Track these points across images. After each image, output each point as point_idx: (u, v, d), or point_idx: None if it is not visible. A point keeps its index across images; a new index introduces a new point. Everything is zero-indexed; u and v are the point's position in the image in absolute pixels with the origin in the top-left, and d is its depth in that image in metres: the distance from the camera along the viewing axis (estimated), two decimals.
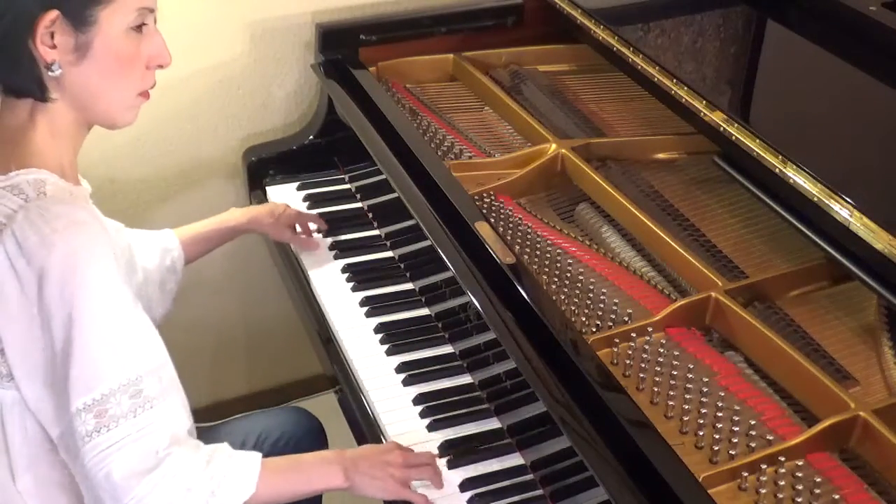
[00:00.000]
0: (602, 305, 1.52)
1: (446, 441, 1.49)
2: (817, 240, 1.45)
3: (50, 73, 1.23)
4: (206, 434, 1.67)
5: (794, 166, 1.42)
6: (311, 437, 1.71)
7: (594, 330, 1.47)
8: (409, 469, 1.39)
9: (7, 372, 1.23)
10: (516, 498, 1.40)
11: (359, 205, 2.00)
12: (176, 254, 1.71)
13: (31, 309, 1.19)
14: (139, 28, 1.26)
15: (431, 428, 1.52)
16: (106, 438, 1.19)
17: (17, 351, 1.21)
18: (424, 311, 1.74)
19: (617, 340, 1.44)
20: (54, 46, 1.21)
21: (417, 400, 1.57)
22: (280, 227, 1.84)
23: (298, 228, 1.88)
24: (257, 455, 1.32)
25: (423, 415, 1.54)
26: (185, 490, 1.22)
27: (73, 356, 1.17)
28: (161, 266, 1.67)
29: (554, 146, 1.79)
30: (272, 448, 1.66)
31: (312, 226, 1.90)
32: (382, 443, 1.48)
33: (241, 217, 1.81)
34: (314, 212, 1.96)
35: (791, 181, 1.43)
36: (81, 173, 1.36)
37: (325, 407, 1.85)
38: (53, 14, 1.19)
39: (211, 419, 1.74)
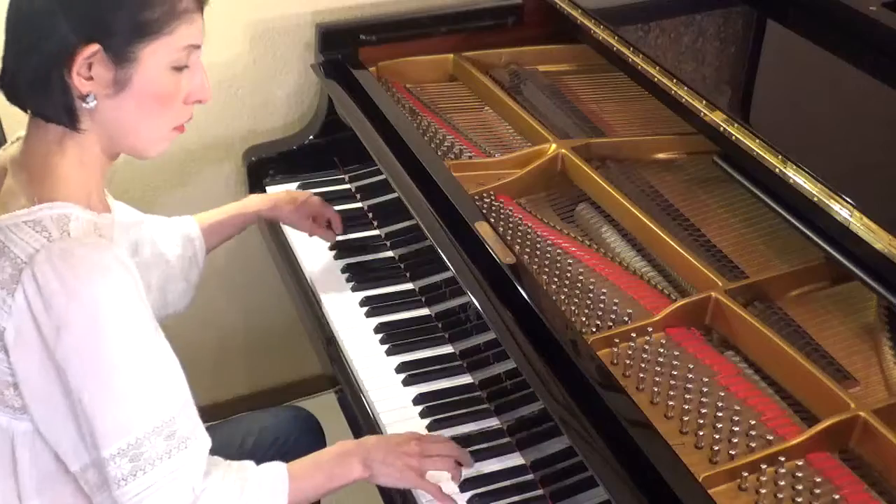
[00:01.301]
0: (602, 305, 1.52)
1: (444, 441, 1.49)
2: (817, 240, 1.45)
3: (84, 105, 1.18)
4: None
5: (794, 166, 1.42)
6: (310, 437, 1.72)
7: (594, 330, 1.47)
8: (426, 459, 1.39)
9: (20, 405, 1.21)
10: (516, 498, 1.40)
11: (359, 205, 2.00)
12: (198, 243, 1.68)
13: (47, 353, 1.15)
14: (181, 68, 1.22)
15: (431, 428, 1.52)
16: (142, 482, 1.17)
17: (34, 390, 1.19)
18: (424, 311, 1.74)
19: (617, 340, 1.44)
20: (91, 78, 1.17)
21: (417, 400, 1.57)
22: (299, 215, 1.81)
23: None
24: (283, 468, 1.32)
25: (423, 415, 1.55)
26: None
27: (100, 405, 1.15)
28: (184, 256, 1.65)
29: (554, 146, 1.79)
30: (271, 447, 1.67)
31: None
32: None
33: (262, 203, 1.79)
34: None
35: (791, 181, 1.43)
36: (134, 156, 1.34)
37: (325, 407, 1.85)
38: (94, 48, 1.15)
39: (211, 419, 1.73)
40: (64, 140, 1.22)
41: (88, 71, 1.16)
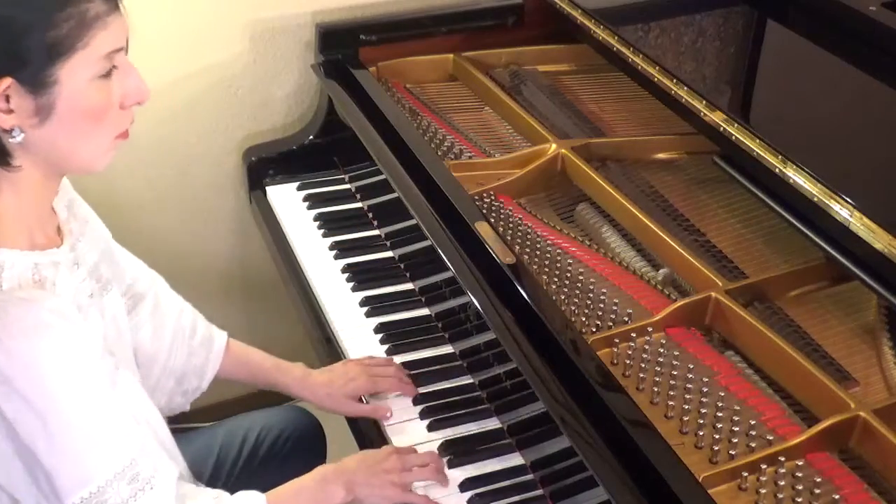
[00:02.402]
0: (602, 305, 1.52)
1: (446, 441, 1.49)
2: (817, 240, 1.45)
3: (12, 140, 1.10)
4: (206, 433, 1.68)
5: (794, 166, 1.42)
6: (310, 436, 1.71)
7: (594, 330, 1.47)
8: (407, 473, 1.39)
9: None
10: (516, 498, 1.40)
11: (359, 205, 2.00)
12: (213, 357, 1.58)
13: None
14: (108, 74, 1.13)
15: (431, 428, 1.52)
16: None
17: None
18: (424, 311, 1.74)
19: (617, 340, 1.44)
20: (11, 111, 1.09)
21: (417, 400, 1.57)
22: (340, 400, 1.58)
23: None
24: (261, 497, 1.30)
25: (423, 415, 1.55)
26: None
27: (56, 459, 1.12)
28: (187, 363, 1.56)
29: (554, 146, 1.79)
30: (271, 446, 1.67)
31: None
32: (382, 446, 1.48)
33: (297, 381, 1.60)
34: (316, 211, 1.96)
35: (791, 181, 1.43)
36: (80, 174, 1.29)
37: None
38: (6, 82, 1.07)
39: (212, 419, 1.74)
40: None
41: (7, 104, 1.08)
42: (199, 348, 1.57)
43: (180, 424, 1.65)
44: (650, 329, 1.45)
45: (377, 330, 1.71)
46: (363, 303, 1.76)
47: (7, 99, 1.08)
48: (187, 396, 1.58)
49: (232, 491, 1.32)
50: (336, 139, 2.07)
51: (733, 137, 1.53)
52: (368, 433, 1.56)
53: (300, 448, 1.68)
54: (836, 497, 1.23)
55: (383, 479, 1.37)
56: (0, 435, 1.13)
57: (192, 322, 1.58)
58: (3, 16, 1.06)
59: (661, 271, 1.56)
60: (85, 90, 1.12)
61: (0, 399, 1.10)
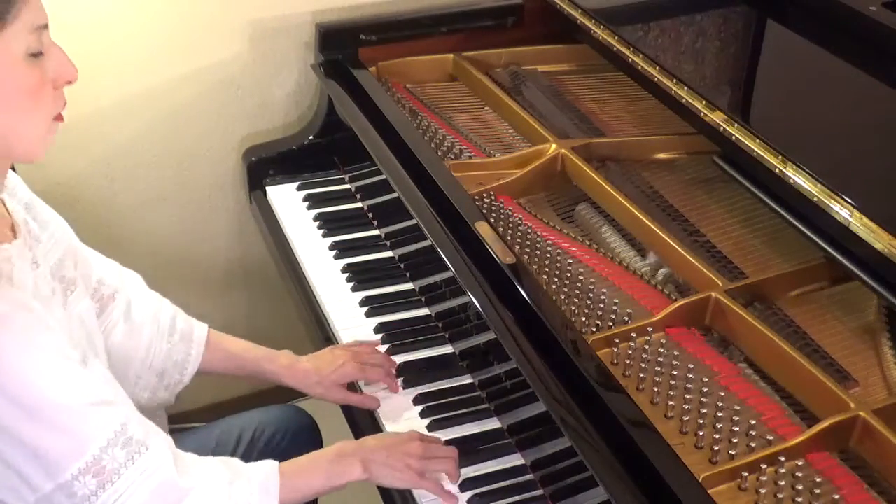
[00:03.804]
0: (602, 305, 1.52)
1: (446, 441, 1.49)
2: (817, 240, 1.45)
3: None
4: (202, 432, 1.68)
5: (794, 166, 1.42)
6: (306, 435, 1.71)
7: (594, 330, 1.47)
8: (427, 460, 1.39)
9: None
10: (516, 498, 1.40)
11: (359, 205, 2.00)
12: (193, 352, 1.56)
13: None
14: (39, 54, 1.11)
15: (431, 428, 1.52)
16: (112, 492, 1.16)
17: None
18: (424, 311, 1.74)
19: (617, 340, 1.44)
20: None
21: (417, 400, 1.57)
22: (329, 387, 1.58)
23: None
24: (274, 465, 1.31)
25: (423, 415, 1.54)
26: None
27: (43, 437, 1.12)
28: (167, 360, 1.54)
29: (554, 146, 1.79)
30: (267, 444, 1.67)
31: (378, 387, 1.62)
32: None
33: (284, 369, 1.59)
34: (316, 212, 1.96)
35: (791, 181, 1.43)
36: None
37: (325, 406, 1.85)
38: None
39: (211, 419, 1.74)
40: None
41: None
42: (179, 344, 1.56)
43: (177, 424, 1.65)
44: (650, 329, 1.45)
45: (377, 330, 1.70)
46: (363, 303, 1.76)
47: None
48: (170, 390, 1.57)
49: None
50: (336, 139, 2.07)
51: (733, 137, 1.53)
52: (366, 432, 1.56)
53: (296, 447, 1.68)
54: (836, 497, 1.23)
55: (403, 461, 1.36)
56: None
57: (170, 319, 1.57)
58: None
59: (648, 259, 1.54)
60: (19, 69, 1.09)
61: None
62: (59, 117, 1.17)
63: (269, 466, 1.31)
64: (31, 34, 1.09)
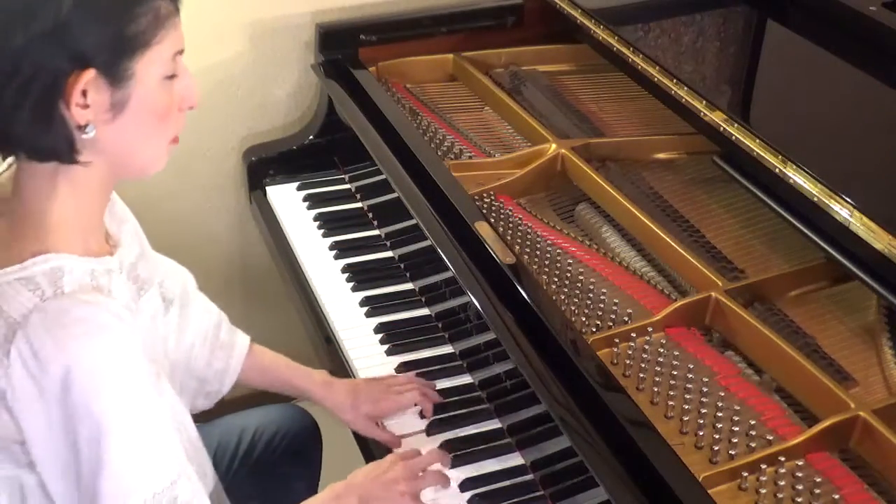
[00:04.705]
0: (602, 305, 1.52)
1: (446, 441, 1.49)
2: (817, 240, 1.45)
3: (84, 136, 1.10)
4: (202, 432, 1.67)
5: (794, 166, 1.42)
6: (306, 435, 1.71)
7: (594, 330, 1.47)
8: (415, 480, 1.38)
9: (28, 461, 1.16)
10: (516, 498, 1.40)
11: (359, 205, 2.00)
12: (233, 362, 1.57)
13: (51, 412, 1.09)
14: (172, 76, 1.16)
15: (432, 428, 1.52)
16: None
17: (40, 447, 1.12)
18: (424, 311, 1.74)
19: (617, 340, 1.44)
20: (87, 106, 1.09)
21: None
22: (359, 417, 1.55)
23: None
24: None
25: (423, 414, 1.54)
26: None
27: (103, 470, 1.10)
28: (207, 368, 1.55)
29: (554, 146, 1.79)
30: (267, 444, 1.67)
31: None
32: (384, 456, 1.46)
33: (318, 387, 1.58)
34: (316, 211, 1.96)
35: (791, 181, 1.43)
36: (135, 178, 1.28)
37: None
38: (89, 73, 1.07)
39: (211, 418, 1.74)
40: (56, 180, 1.14)
41: (84, 99, 1.08)
42: (220, 352, 1.55)
43: None
44: (650, 329, 1.45)
45: (377, 330, 1.70)
46: (363, 303, 1.76)
47: (84, 94, 1.08)
48: (210, 398, 1.57)
49: (227, 490, 1.31)
50: (336, 139, 2.07)
51: (733, 137, 1.53)
52: (372, 441, 1.56)
53: (296, 447, 1.68)
54: (836, 497, 1.23)
55: (393, 489, 1.36)
56: (54, 437, 1.11)
57: (216, 325, 1.56)
58: (90, 7, 1.07)
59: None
60: (155, 89, 1.14)
61: (55, 404, 1.08)
62: (175, 140, 1.21)
63: None
64: (170, 59, 1.14)
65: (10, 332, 1.09)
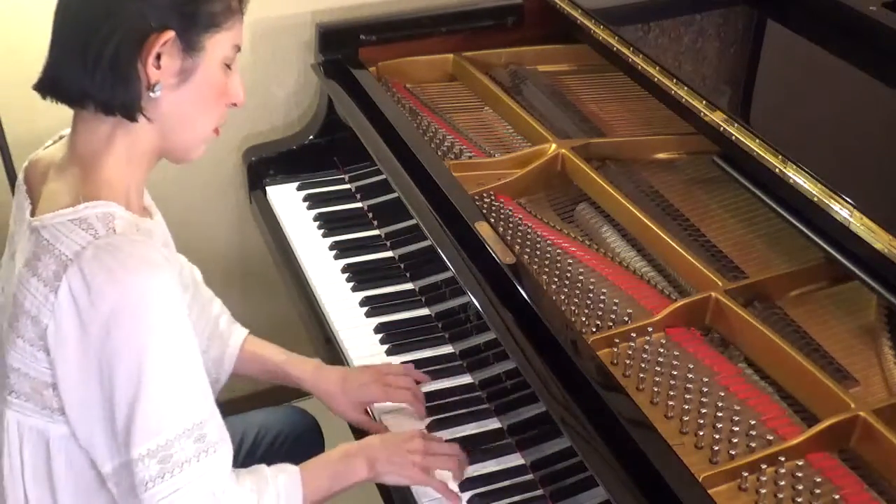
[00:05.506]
0: (602, 305, 1.52)
1: (446, 441, 1.49)
2: (817, 240, 1.45)
3: (150, 95, 1.18)
4: None
5: (794, 166, 1.42)
6: (308, 436, 1.72)
7: (594, 330, 1.47)
8: (430, 457, 1.39)
9: (58, 406, 1.19)
10: (516, 498, 1.40)
11: (359, 205, 2.00)
12: (228, 351, 1.58)
13: (91, 349, 1.13)
14: (230, 67, 1.25)
15: (432, 428, 1.52)
16: (169, 485, 1.16)
17: (72, 388, 1.17)
18: (424, 311, 1.74)
19: (617, 340, 1.44)
20: (159, 67, 1.16)
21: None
22: (349, 404, 1.56)
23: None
24: (296, 471, 1.32)
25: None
26: None
27: (140, 402, 1.13)
28: (204, 354, 1.50)
29: (554, 146, 1.79)
30: (269, 446, 1.67)
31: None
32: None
33: (309, 374, 1.58)
34: (315, 211, 1.96)
35: (791, 181, 1.43)
36: (174, 160, 1.32)
37: (324, 407, 1.85)
38: (169, 35, 1.15)
39: None
40: (114, 137, 1.21)
41: (158, 60, 1.16)
42: (217, 341, 1.57)
43: None
44: (650, 329, 1.45)
45: (377, 330, 1.71)
46: (363, 303, 1.76)
47: (158, 56, 1.16)
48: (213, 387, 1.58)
49: None
50: (336, 139, 2.07)
51: (733, 137, 1.53)
52: (368, 433, 1.55)
53: (298, 449, 1.68)
54: (836, 497, 1.23)
55: (406, 458, 1.37)
56: (88, 376, 1.14)
57: (216, 316, 1.59)
58: None
59: None
60: (217, 69, 1.22)
61: (99, 336, 1.12)
62: (217, 130, 1.29)
63: (293, 475, 1.31)
64: (233, 48, 1.24)
65: (60, 268, 1.13)
